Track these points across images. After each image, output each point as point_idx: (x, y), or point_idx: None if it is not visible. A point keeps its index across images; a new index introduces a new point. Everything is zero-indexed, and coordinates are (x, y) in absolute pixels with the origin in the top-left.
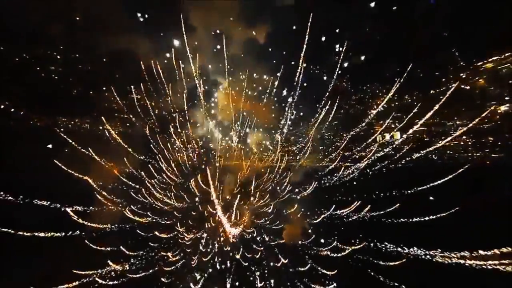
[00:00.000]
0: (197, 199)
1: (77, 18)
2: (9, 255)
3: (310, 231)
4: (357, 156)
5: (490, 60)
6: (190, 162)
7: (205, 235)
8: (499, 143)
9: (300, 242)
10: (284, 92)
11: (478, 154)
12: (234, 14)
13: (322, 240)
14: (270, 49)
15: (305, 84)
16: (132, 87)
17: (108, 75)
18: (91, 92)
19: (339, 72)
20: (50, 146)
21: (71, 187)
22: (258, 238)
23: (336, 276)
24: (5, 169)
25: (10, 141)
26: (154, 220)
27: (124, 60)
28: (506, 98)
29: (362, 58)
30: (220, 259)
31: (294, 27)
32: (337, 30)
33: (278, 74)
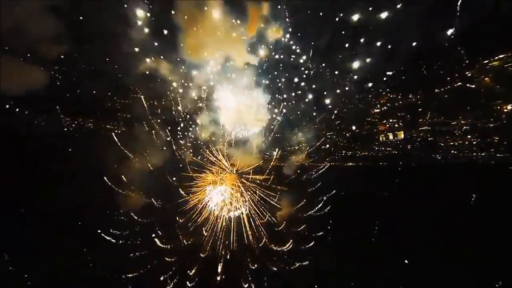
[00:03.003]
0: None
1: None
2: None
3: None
4: (359, 156)
5: (496, 58)
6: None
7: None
8: (504, 142)
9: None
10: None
11: (483, 153)
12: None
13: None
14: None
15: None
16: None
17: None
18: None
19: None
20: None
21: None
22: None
23: None
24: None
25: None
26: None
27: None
28: None
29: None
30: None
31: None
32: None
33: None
